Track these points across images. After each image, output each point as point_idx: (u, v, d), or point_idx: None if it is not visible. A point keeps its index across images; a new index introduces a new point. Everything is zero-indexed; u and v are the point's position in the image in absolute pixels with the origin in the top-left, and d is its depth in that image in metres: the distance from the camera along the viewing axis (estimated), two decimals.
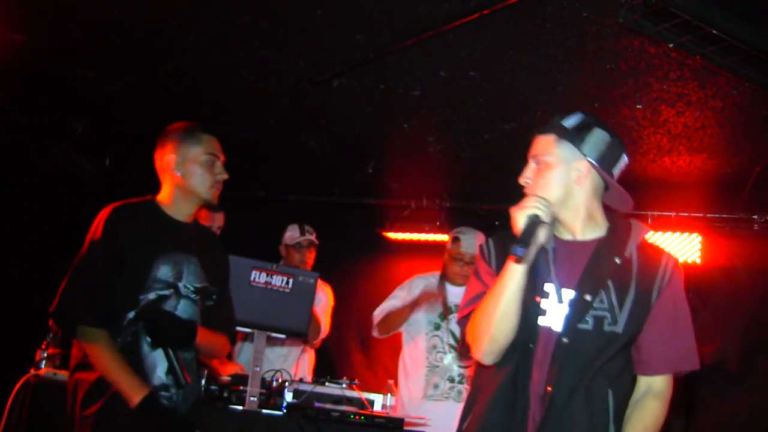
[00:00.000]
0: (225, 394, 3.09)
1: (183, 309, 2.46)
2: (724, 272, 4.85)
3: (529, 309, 1.95)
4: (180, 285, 2.48)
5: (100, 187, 5.45)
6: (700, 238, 4.85)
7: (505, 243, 2.06)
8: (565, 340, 1.92)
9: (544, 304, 1.97)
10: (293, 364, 4.18)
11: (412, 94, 3.96)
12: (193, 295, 2.51)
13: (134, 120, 4.95)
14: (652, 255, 2.05)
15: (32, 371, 3.24)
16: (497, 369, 1.98)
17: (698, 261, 4.83)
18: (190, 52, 3.82)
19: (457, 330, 3.81)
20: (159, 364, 2.39)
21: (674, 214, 4.86)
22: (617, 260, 1.98)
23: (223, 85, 4.19)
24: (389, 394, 3.53)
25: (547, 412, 1.87)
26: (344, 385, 3.52)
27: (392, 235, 5.68)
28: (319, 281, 3.53)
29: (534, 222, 1.91)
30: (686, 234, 4.87)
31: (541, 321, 1.96)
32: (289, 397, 3.13)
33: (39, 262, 4.90)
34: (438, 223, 5.43)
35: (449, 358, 3.91)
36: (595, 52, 3.28)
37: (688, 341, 2.01)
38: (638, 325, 1.96)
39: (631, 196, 2.22)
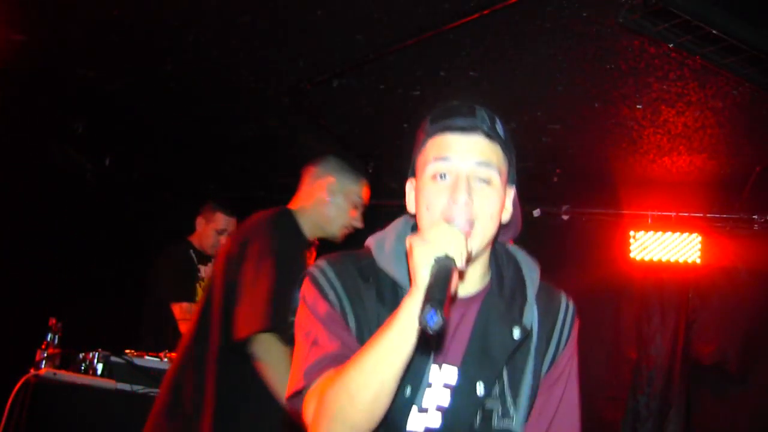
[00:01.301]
0: None
1: None
2: (724, 272, 4.85)
3: (394, 401, 1.31)
4: None
5: (100, 187, 5.45)
6: (700, 238, 4.85)
7: (358, 283, 1.46)
8: None
9: (418, 394, 1.39)
10: None
11: (412, 94, 3.96)
12: None
13: (134, 120, 4.95)
14: (549, 310, 1.51)
15: (32, 371, 3.24)
16: None
17: (698, 261, 4.84)
18: (190, 52, 3.82)
19: None
20: None
21: (674, 214, 4.86)
22: (516, 333, 1.42)
23: (223, 85, 4.19)
24: None
25: None
26: None
27: None
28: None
29: (447, 270, 1.24)
30: (686, 234, 4.87)
31: (413, 424, 1.39)
32: None
33: (39, 262, 4.90)
34: None
35: None
36: (595, 52, 3.28)
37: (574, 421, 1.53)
38: (530, 408, 1.47)
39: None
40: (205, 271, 4.11)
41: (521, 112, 3.99)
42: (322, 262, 1.50)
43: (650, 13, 2.83)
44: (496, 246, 1.54)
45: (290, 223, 2.54)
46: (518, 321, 1.43)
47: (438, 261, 1.25)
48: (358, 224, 2.67)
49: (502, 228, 1.51)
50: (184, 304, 3.83)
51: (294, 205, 2.68)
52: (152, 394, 3.15)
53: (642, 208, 4.87)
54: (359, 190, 2.71)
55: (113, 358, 3.24)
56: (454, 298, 1.37)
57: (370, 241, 1.58)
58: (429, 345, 1.38)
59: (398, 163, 5.24)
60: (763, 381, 4.59)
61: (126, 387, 3.18)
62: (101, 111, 4.81)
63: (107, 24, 3.61)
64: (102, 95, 4.52)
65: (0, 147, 4.54)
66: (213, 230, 4.06)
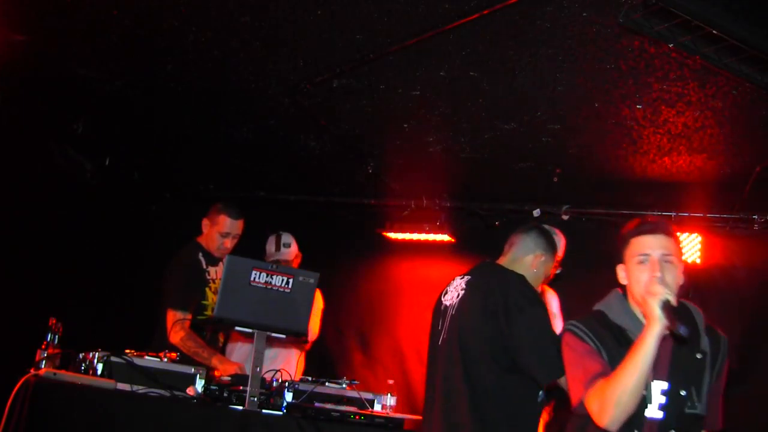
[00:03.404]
0: (225, 394, 3.09)
1: None
2: (724, 272, 4.86)
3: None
4: None
5: (100, 187, 5.45)
6: (700, 238, 4.85)
7: (601, 331, 2.36)
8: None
9: (647, 395, 2.25)
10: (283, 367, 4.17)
11: (412, 94, 3.96)
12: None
13: (134, 120, 4.96)
14: (716, 341, 2.40)
15: (32, 371, 3.23)
16: None
17: (698, 261, 4.84)
18: (190, 52, 3.82)
19: None
20: None
21: (674, 214, 4.86)
22: (698, 356, 2.33)
23: (223, 85, 4.19)
24: (389, 394, 3.53)
25: None
26: (344, 385, 3.52)
27: (392, 235, 5.69)
28: None
29: (670, 306, 2.15)
30: (686, 234, 4.87)
31: (648, 412, 2.25)
32: (289, 397, 3.13)
33: (39, 262, 4.90)
34: (438, 223, 5.43)
35: None
36: (595, 52, 3.28)
37: (721, 405, 2.43)
38: (707, 400, 2.33)
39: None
40: (216, 272, 4.09)
41: (521, 112, 3.99)
42: (574, 322, 2.42)
43: (650, 13, 2.83)
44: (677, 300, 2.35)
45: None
46: (698, 348, 2.34)
47: (664, 302, 2.15)
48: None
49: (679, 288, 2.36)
50: (179, 313, 3.81)
51: (509, 266, 3.15)
52: (152, 394, 3.16)
53: (642, 208, 4.87)
54: (554, 264, 3.31)
55: (113, 358, 3.24)
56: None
57: (599, 307, 2.46)
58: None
59: (398, 163, 5.27)
60: (763, 380, 4.59)
61: (126, 387, 3.17)
62: (101, 111, 4.81)
63: (107, 24, 3.62)
64: (102, 95, 4.52)
65: (0, 147, 4.54)
66: (217, 233, 4.05)
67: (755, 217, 4.69)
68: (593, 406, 2.24)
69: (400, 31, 3.33)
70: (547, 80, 3.61)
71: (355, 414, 3.02)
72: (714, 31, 2.81)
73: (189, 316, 3.82)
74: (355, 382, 3.57)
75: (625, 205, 4.93)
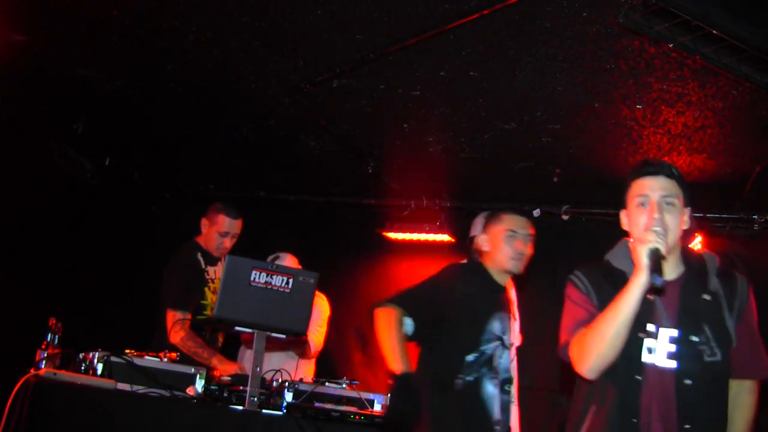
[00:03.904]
0: (225, 394, 3.08)
1: (505, 360, 3.03)
2: None
3: (631, 343, 2.16)
4: (505, 338, 3.04)
5: (100, 187, 5.45)
6: (700, 238, 4.85)
7: (599, 278, 2.32)
8: (683, 381, 2.16)
9: (647, 342, 2.19)
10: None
11: (412, 94, 3.96)
12: (511, 347, 3.12)
13: (134, 120, 4.95)
14: (730, 281, 2.30)
15: (32, 371, 3.23)
16: (602, 387, 2.23)
17: None
18: (190, 52, 3.83)
19: None
20: (497, 402, 2.95)
21: None
22: (707, 297, 2.23)
23: (223, 85, 4.19)
24: (389, 395, 3.52)
25: None
26: (344, 385, 3.52)
27: (392, 235, 5.68)
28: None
29: (658, 255, 2.07)
30: None
31: (646, 358, 2.19)
32: (289, 397, 3.12)
33: (39, 263, 4.90)
34: (438, 223, 5.43)
35: None
36: (595, 52, 3.28)
37: (764, 350, 2.31)
38: (729, 346, 2.23)
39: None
40: (215, 272, 4.08)
41: (521, 112, 3.99)
42: (576, 271, 2.39)
43: (650, 13, 2.83)
44: (686, 248, 2.33)
45: None
46: (706, 289, 2.24)
47: (651, 251, 2.08)
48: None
49: (684, 232, 2.26)
50: (179, 313, 3.80)
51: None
52: (152, 394, 3.15)
53: None
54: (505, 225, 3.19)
55: (113, 358, 3.24)
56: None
57: (607, 255, 2.39)
58: (650, 312, 2.20)
59: (398, 163, 5.27)
60: (762, 381, 4.58)
61: (126, 387, 3.17)
62: (101, 111, 4.81)
63: (107, 24, 3.62)
64: (102, 95, 4.52)
65: (0, 147, 4.54)
66: (216, 232, 4.04)
67: (755, 217, 4.69)
68: (573, 353, 2.23)
69: (400, 31, 3.33)
70: (547, 80, 3.61)
71: (355, 414, 3.02)
72: (714, 31, 2.81)
73: (189, 316, 3.82)
74: (355, 382, 3.56)
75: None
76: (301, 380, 3.39)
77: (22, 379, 3.17)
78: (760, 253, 4.76)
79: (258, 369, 3.05)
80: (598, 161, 4.47)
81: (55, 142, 5.13)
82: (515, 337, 3.27)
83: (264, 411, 3.00)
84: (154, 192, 6.09)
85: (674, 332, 2.20)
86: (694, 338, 2.18)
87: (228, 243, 4.05)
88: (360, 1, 3.16)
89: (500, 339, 3.02)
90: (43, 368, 3.26)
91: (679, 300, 2.23)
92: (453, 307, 2.98)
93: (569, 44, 3.25)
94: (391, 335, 2.91)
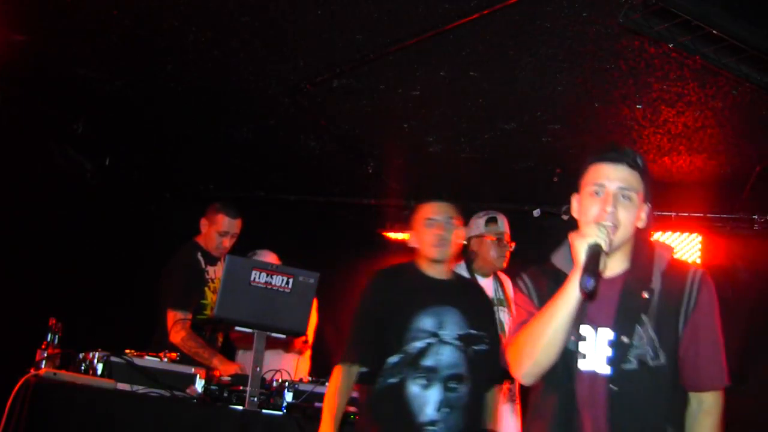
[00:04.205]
0: (225, 394, 3.08)
1: (448, 354, 2.79)
2: (725, 272, 4.85)
3: (567, 348, 1.96)
4: (443, 333, 2.80)
5: (100, 187, 5.45)
6: (700, 238, 4.85)
7: (541, 278, 2.14)
8: (613, 387, 1.93)
9: (582, 347, 1.97)
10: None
11: (412, 94, 3.96)
12: (456, 342, 2.81)
13: (134, 120, 4.95)
14: (677, 278, 2.03)
15: (32, 371, 3.23)
16: (544, 397, 2.04)
17: (698, 261, 4.84)
18: (190, 52, 3.82)
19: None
20: (430, 402, 2.72)
21: (674, 214, 4.86)
22: (646, 295, 1.98)
23: (223, 85, 4.19)
24: None
25: None
26: None
27: (392, 235, 5.69)
28: None
29: (597, 252, 1.84)
30: (686, 234, 4.87)
31: (582, 365, 1.97)
32: (289, 397, 3.13)
33: (39, 262, 4.90)
34: None
35: None
36: (595, 52, 3.28)
37: (720, 358, 2.02)
38: (677, 350, 1.97)
39: None
40: (215, 272, 4.09)
41: (521, 112, 3.99)
42: (523, 273, 2.19)
43: (650, 13, 2.83)
44: (637, 241, 2.07)
45: None
46: (647, 286, 1.99)
47: (590, 246, 1.85)
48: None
49: (639, 230, 2.05)
50: (179, 313, 3.80)
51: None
52: (152, 394, 3.15)
53: None
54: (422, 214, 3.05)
55: (113, 358, 3.24)
56: (601, 275, 1.90)
57: (553, 253, 2.18)
58: (587, 313, 1.98)
59: (398, 163, 5.26)
60: (762, 381, 4.59)
61: (126, 387, 3.17)
62: (101, 111, 4.81)
63: (107, 24, 3.62)
64: (102, 95, 4.52)
65: (0, 147, 4.54)
66: (215, 232, 4.05)
67: (755, 217, 4.70)
68: (509, 357, 2.05)
69: (400, 31, 3.33)
70: (547, 80, 3.61)
71: (355, 414, 3.01)
72: (714, 31, 2.81)
73: (189, 316, 3.82)
74: None
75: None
76: (300, 380, 3.40)
77: (22, 379, 3.17)
78: (760, 254, 4.77)
79: (258, 369, 3.05)
80: None
81: (55, 142, 5.13)
82: (465, 329, 2.88)
83: (264, 411, 3.01)
84: (153, 192, 6.08)
85: (610, 334, 1.97)
86: (626, 339, 1.94)
87: (227, 243, 4.06)
88: (360, 1, 3.16)
89: (434, 335, 2.80)
90: (43, 368, 3.26)
91: (619, 298, 2.00)
92: (382, 319, 2.83)
93: (569, 44, 3.25)
94: (329, 401, 2.78)
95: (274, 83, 4.06)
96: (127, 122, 4.99)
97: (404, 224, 5.47)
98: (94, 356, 3.29)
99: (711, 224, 4.84)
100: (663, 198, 4.82)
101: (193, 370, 3.29)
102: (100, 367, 3.27)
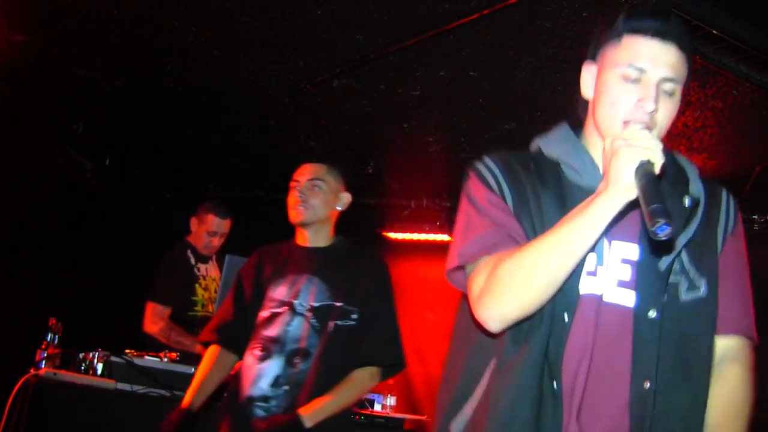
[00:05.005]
0: (225, 394, 3.08)
1: (296, 326, 2.55)
2: None
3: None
4: (296, 303, 2.58)
5: (100, 187, 5.45)
6: None
7: (517, 167, 1.52)
8: (652, 314, 1.39)
9: (588, 261, 1.41)
10: None
11: (412, 94, 3.96)
12: (308, 314, 2.57)
13: (134, 120, 4.95)
14: (712, 190, 1.58)
15: (32, 371, 3.23)
16: (510, 346, 1.40)
17: None
18: (190, 52, 3.82)
19: None
20: (265, 375, 2.50)
21: None
22: (687, 201, 1.46)
23: (223, 85, 4.19)
24: (389, 394, 3.53)
25: (647, 415, 1.37)
26: None
27: (392, 235, 5.69)
28: None
29: (653, 178, 1.24)
30: None
31: (584, 287, 1.41)
32: None
33: (39, 262, 4.90)
34: (438, 223, 5.43)
35: None
36: None
37: (749, 303, 1.58)
38: (716, 279, 1.51)
39: None
40: (206, 269, 4.13)
41: (521, 112, 3.99)
42: (485, 156, 1.56)
43: None
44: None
45: None
46: (687, 192, 1.48)
47: (642, 165, 1.25)
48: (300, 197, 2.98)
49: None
50: (159, 306, 3.85)
51: None
52: (152, 394, 3.16)
53: None
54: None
55: (113, 358, 3.25)
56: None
57: (536, 139, 1.60)
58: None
59: (398, 163, 5.26)
60: (763, 380, 4.58)
61: (126, 387, 3.18)
62: (101, 111, 4.81)
63: (107, 24, 3.62)
64: (102, 95, 4.52)
65: (0, 147, 4.54)
66: (204, 231, 4.10)
67: (755, 217, 4.69)
68: (475, 289, 1.43)
69: (400, 31, 3.33)
70: (547, 80, 3.61)
71: (355, 414, 3.02)
72: (714, 31, 2.81)
73: (168, 310, 3.87)
74: None
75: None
76: None
77: (22, 379, 3.18)
78: (760, 254, 4.76)
79: None
80: None
81: (55, 142, 5.13)
82: (325, 300, 2.61)
83: None
84: (153, 192, 6.08)
85: (633, 249, 1.43)
86: (662, 264, 1.41)
87: (216, 242, 4.11)
88: (360, 1, 3.16)
89: (285, 303, 2.57)
90: (43, 368, 3.26)
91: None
92: (245, 296, 2.71)
93: (569, 44, 3.25)
94: (198, 372, 2.68)
95: (274, 83, 4.06)
96: (127, 122, 4.99)
97: (404, 224, 5.52)
98: (94, 356, 3.30)
99: None
100: None
101: (193, 370, 3.29)
102: (100, 367, 3.28)
